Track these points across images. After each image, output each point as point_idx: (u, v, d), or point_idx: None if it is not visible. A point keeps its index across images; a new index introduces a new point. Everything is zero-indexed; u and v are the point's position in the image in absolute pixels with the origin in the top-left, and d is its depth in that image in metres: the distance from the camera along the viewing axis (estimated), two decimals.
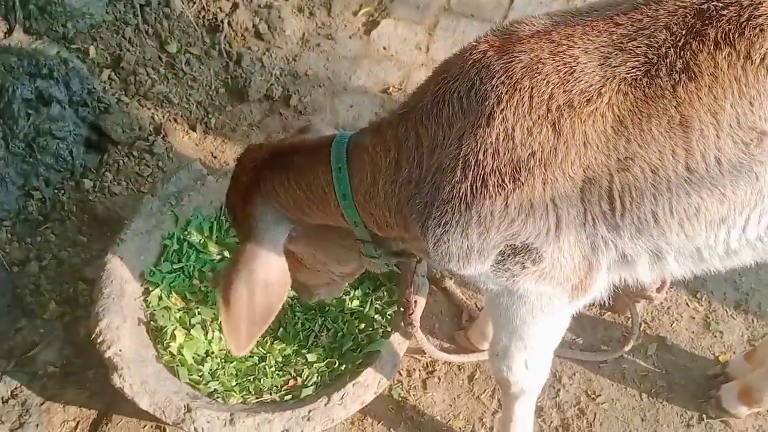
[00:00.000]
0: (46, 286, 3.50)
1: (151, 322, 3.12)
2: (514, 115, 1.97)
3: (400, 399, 3.24)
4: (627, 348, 3.37)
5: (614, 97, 1.92)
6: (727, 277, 3.61)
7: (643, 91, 1.90)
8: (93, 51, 4.15)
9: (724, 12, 1.83)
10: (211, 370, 3.07)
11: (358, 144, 2.37)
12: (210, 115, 4.17)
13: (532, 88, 1.95)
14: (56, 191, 3.76)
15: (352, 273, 2.95)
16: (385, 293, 3.29)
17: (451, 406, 3.24)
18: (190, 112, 4.16)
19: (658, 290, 3.39)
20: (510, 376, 2.58)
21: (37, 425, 3.13)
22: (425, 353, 3.21)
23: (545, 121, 1.95)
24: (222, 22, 4.41)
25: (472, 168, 2.03)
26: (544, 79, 1.95)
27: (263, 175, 2.47)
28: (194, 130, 4.10)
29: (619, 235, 2.11)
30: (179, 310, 3.19)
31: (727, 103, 1.86)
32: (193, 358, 3.08)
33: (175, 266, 3.28)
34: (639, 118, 1.91)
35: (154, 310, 3.14)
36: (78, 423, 3.18)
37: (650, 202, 2.01)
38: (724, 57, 1.84)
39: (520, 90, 1.96)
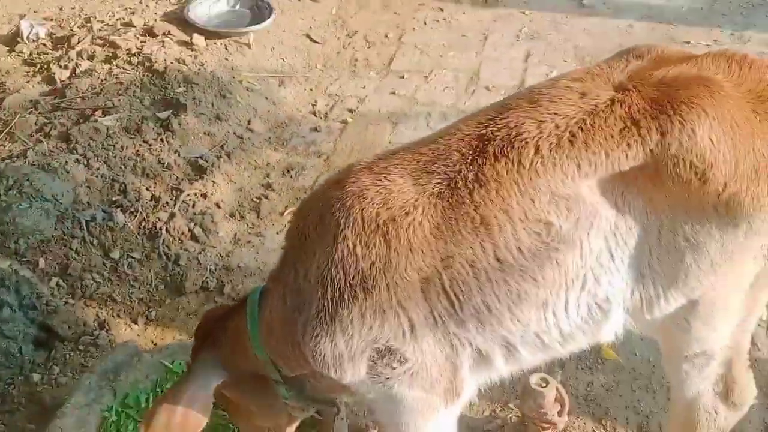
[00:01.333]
0: None
1: None
2: (352, 233, 2.39)
3: None
4: None
5: (427, 208, 2.36)
6: (628, 404, 3.94)
7: (448, 200, 2.35)
8: (42, 262, 4.61)
9: (498, 133, 2.34)
10: None
11: (264, 291, 2.80)
12: (151, 309, 4.57)
13: (363, 210, 2.40)
14: (6, 386, 4.06)
15: (280, 427, 3.22)
16: None
17: None
18: (132, 308, 4.56)
19: (560, 414, 3.69)
20: None
21: None
22: None
23: (377, 235, 2.38)
24: (161, 229, 4.93)
25: (329, 284, 2.43)
26: (370, 202, 2.40)
27: (215, 329, 2.90)
28: (136, 323, 4.48)
29: (466, 328, 2.46)
30: None
31: (513, 201, 2.31)
32: None
33: None
34: (450, 223, 2.34)
35: None
36: None
37: (478, 292, 2.39)
38: (503, 166, 2.32)
39: (352, 213, 2.40)
